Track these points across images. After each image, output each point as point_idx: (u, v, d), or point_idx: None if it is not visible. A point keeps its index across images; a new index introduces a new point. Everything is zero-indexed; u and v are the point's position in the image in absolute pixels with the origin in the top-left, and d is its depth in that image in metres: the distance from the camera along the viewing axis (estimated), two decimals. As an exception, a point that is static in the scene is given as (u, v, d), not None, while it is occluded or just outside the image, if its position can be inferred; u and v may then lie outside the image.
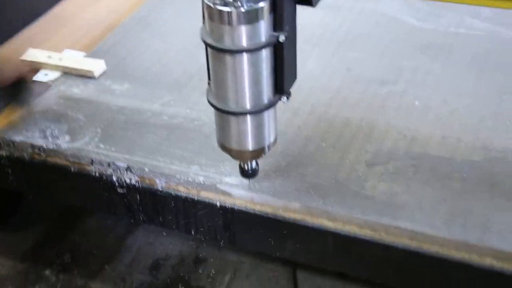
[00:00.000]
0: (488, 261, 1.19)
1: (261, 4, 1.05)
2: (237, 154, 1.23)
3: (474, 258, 1.20)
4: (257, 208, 1.31)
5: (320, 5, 1.14)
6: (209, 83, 1.16)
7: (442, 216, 1.25)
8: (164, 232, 1.90)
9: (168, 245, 1.88)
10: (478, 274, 1.20)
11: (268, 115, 1.17)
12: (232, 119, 1.16)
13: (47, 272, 1.82)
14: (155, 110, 1.57)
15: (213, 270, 1.79)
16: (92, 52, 1.79)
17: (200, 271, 1.80)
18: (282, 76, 1.12)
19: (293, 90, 1.18)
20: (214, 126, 1.24)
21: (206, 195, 1.35)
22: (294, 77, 1.17)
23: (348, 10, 1.90)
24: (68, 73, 1.70)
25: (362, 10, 1.89)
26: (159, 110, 1.56)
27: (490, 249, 1.19)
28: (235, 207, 1.32)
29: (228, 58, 1.07)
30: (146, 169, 1.39)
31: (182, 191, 1.36)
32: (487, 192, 1.30)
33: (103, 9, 1.96)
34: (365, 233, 1.25)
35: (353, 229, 1.26)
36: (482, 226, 1.23)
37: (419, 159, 1.38)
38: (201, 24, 1.11)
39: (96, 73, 1.68)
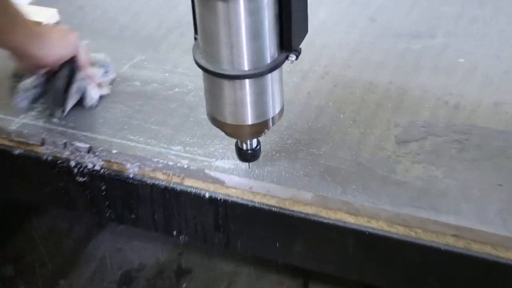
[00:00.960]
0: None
1: None
2: (233, 130, 1.24)
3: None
4: (258, 199, 1.33)
5: None
6: (196, 38, 1.17)
7: (496, 207, 1.26)
8: (137, 235, 1.91)
9: (142, 251, 1.89)
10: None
11: (272, 79, 1.18)
12: (226, 85, 1.17)
13: (-18, 290, 1.84)
14: (124, 74, 1.58)
15: (200, 285, 1.81)
16: (39, -2, 1.80)
17: (184, 286, 1.81)
18: (290, 29, 1.13)
19: (302, 46, 1.18)
20: (202, 94, 1.25)
21: (191, 184, 1.37)
22: (304, 29, 1.18)
23: None
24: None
25: None
26: (129, 74, 1.58)
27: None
28: (229, 199, 1.34)
29: (220, 5, 1.08)
30: (114, 151, 1.40)
31: (161, 178, 1.38)
32: (553, 174, 1.32)
33: None
34: (397, 230, 1.27)
35: (381, 225, 1.28)
36: (547, 218, 1.25)
37: (464, 132, 1.40)
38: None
39: (47, 25, 1.69)
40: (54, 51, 1.40)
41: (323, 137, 1.41)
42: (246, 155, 1.31)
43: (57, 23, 1.71)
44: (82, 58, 1.45)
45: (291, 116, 1.44)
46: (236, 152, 1.32)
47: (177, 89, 1.54)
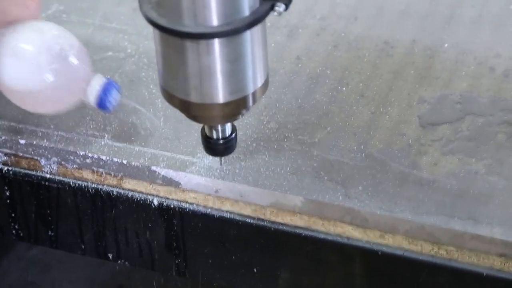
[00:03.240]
0: None
1: None
2: (198, 112, 1.27)
3: None
4: (227, 208, 1.37)
5: None
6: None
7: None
8: (57, 261, 1.92)
9: (65, 285, 1.90)
10: None
11: (252, 39, 1.20)
12: (188, 48, 1.18)
13: None
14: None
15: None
16: None
17: (125, 331, 1.85)
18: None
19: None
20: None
21: (133, 187, 1.41)
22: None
23: None
24: None
25: None
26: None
27: None
28: (187, 208, 1.38)
29: None
30: (22, 141, 1.44)
31: (90, 179, 1.42)
32: None
33: None
34: (421, 249, 1.31)
35: (399, 242, 1.32)
36: None
37: (516, 111, 1.45)
38: None
39: None
40: None
41: (318, 120, 1.45)
42: (217, 147, 1.33)
43: None
44: None
45: (274, 90, 1.48)
46: (203, 142, 1.34)
47: (110, 53, 1.57)
